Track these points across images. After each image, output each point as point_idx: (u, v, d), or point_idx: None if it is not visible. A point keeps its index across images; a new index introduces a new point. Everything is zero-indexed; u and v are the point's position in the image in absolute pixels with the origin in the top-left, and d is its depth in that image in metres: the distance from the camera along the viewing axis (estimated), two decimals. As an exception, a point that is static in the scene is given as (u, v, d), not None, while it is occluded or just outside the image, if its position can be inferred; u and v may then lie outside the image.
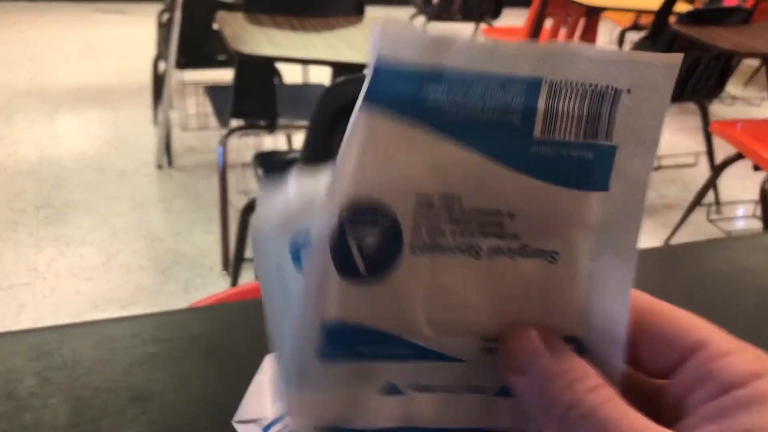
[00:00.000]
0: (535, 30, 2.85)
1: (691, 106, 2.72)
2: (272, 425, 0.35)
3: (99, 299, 1.81)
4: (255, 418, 0.36)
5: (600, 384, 0.20)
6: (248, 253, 1.74)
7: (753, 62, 4.20)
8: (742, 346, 0.20)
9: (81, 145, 2.70)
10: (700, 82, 2.35)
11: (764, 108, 3.93)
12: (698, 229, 2.45)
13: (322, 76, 2.29)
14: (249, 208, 1.60)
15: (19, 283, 1.84)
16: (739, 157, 2.06)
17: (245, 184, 2.44)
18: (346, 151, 0.19)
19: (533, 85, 0.19)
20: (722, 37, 2.14)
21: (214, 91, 2.17)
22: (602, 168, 0.20)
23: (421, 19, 3.52)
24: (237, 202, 2.28)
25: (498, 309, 0.21)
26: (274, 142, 2.71)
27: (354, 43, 1.68)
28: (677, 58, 0.19)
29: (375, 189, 0.19)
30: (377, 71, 0.18)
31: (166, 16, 2.63)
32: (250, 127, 1.94)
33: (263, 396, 0.37)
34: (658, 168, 2.93)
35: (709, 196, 2.46)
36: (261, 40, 1.63)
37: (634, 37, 3.23)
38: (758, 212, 2.25)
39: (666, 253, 0.73)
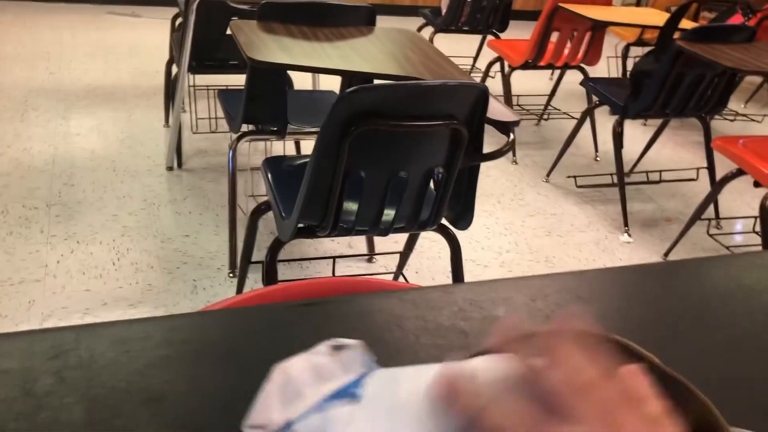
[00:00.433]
0: (541, 43, 2.89)
1: (694, 122, 2.75)
2: None
3: (108, 297, 1.84)
4: (263, 424, 0.37)
5: None
6: (255, 256, 1.77)
7: (755, 79, 4.24)
8: None
9: (93, 145, 2.74)
10: (703, 98, 2.39)
11: (766, 124, 3.97)
12: (698, 243, 2.48)
13: (332, 83, 2.33)
14: (257, 212, 1.63)
15: (30, 279, 1.88)
16: (740, 172, 2.09)
17: (254, 188, 2.48)
18: None
19: None
20: (726, 55, 2.17)
21: (225, 95, 2.20)
22: None
23: (429, 30, 3.56)
24: (245, 206, 2.33)
25: None
26: (282, 146, 2.75)
27: (365, 53, 1.72)
28: None
29: None
30: None
31: (179, 21, 2.68)
32: (261, 132, 1.98)
33: (272, 403, 0.37)
34: (660, 181, 2.96)
35: (710, 211, 2.50)
36: (274, 47, 1.67)
37: (638, 51, 3.27)
38: (758, 227, 2.28)
39: (666, 269, 0.74)
